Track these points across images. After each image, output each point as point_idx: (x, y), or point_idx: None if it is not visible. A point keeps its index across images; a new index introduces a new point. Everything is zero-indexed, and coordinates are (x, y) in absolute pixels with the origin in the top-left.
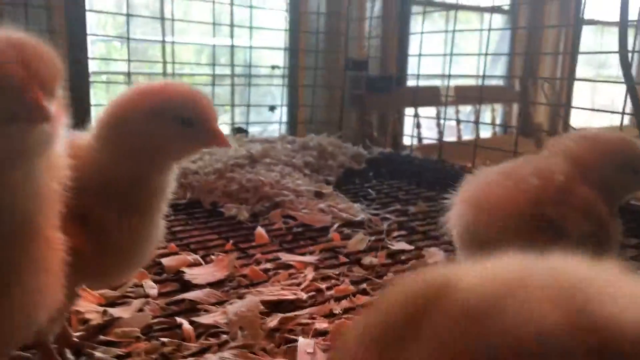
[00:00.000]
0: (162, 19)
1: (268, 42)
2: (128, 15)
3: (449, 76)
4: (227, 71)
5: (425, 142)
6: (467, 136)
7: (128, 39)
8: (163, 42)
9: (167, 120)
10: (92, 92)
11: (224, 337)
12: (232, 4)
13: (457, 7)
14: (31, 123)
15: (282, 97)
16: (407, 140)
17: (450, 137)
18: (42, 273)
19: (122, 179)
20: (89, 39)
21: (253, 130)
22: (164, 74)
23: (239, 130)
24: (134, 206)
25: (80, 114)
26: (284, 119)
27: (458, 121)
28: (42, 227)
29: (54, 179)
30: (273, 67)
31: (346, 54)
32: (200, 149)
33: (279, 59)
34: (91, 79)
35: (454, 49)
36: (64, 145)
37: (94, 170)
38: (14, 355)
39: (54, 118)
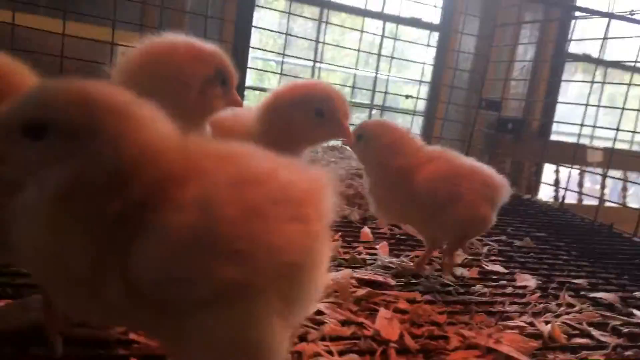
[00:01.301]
0: (317, 41)
1: (410, 75)
2: (287, 34)
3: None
4: (368, 99)
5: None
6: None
7: (283, 55)
8: (314, 65)
9: (306, 110)
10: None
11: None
12: (382, 36)
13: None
14: None
15: (411, 126)
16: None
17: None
18: None
19: None
20: (251, 54)
21: None
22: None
23: None
24: None
25: None
26: None
27: (625, 186)
28: None
29: None
30: (407, 97)
31: (481, 92)
32: (328, 139)
33: (414, 90)
34: (245, 92)
35: (606, 108)
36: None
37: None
38: None
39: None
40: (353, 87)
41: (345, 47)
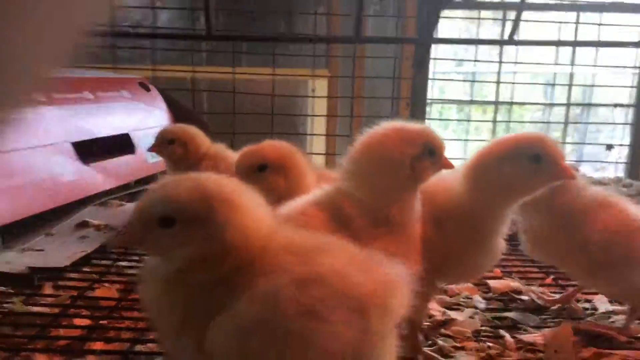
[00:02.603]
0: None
1: (611, 76)
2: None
3: None
4: (563, 100)
5: None
6: None
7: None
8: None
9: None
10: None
11: (540, 354)
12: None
13: None
14: None
15: (622, 135)
16: None
17: None
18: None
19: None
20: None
21: (584, 168)
22: (497, 100)
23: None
24: (480, 229)
25: None
26: (623, 159)
27: None
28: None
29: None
30: (615, 106)
31: None
32: (548, 183)
33: (623, 96)
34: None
35: None
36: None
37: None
38: None
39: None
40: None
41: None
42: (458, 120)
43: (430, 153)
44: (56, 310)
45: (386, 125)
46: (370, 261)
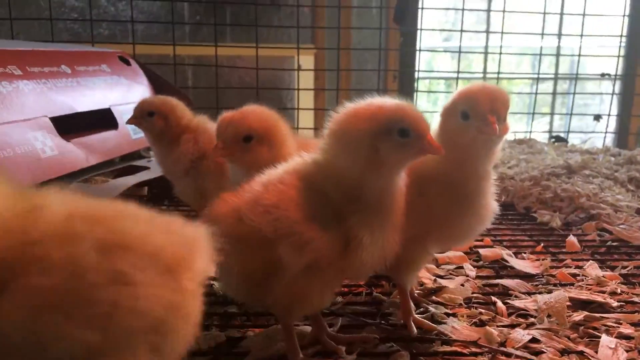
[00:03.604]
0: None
1: (597, 48)
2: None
3: None
4: (551, 73)
5: None
6: None
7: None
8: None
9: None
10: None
11: (532, 319)
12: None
13: None
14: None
15: (610, 106)
16: None
17: None
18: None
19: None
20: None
21: (573, 139)
22: (484, 75)
23: (557, 139)
24: (461, 190)
25: None
26: (611, 129)
27: None
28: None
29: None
30: (603, 75)
31: None
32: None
33: (610, 65)
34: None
35: None
36: None
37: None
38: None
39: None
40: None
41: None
42: (447, 92)
43: (401, 133)
44: None
45: (361, 102)
46: (171, 224)
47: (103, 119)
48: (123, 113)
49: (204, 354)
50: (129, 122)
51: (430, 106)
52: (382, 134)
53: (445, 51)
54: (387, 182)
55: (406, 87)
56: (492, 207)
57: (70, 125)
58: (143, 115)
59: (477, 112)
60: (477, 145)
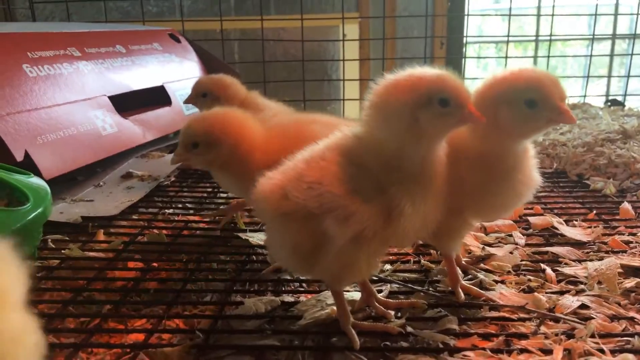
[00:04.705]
0: None
1: None
2: None
3: None
4: (608, 33)
5: None
6: None
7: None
8: None
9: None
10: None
11: (581, 286)
12: None
13: None
14: None
15: None
16: None
17: None
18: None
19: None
20: None
21: (631, 102)
22: (537, 37)
23: (613, 103)
24: (497, 166)
25: None
26: None
27: None
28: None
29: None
30: None
31: None
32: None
33: None
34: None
35: None
36: None
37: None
38: None
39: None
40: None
41: None
42: (497, 58)
43: (442, 103)
44: (110, 254)
45: (401, 72)
46: None
47: (157, 96)
48: (176, 90)
49: (260, 317)
50: (186, 101)
51: (479, 72)
52: (422, 104)
53: (495, 14)
54: (427, 152)
55: (454, 53)
56: (533, 180)
57: (126, 103)
58: (197, 96)
59: (548, 102)
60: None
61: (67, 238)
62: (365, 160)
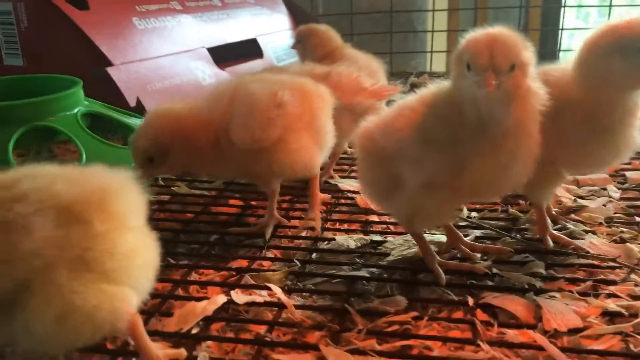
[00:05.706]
0: None
1: None
2: None
3: None
4: None
5: None
6: None
7: None
8: None
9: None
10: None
11: None
12: None
13: None
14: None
15: None
16: None
17: None
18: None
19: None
20: None
21: None
22: None
23: None
24: (599, 120)
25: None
26: None
27: None
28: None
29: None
30: None
31: None
32: None
33: None
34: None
35: None
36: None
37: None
38: None
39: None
40: None
41: None
42: (599, 7)
43: (468, 67)
44: (214, 193)
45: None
46: (84, 174)
47: (249, 48)
48: (267, 43)
49: (351, 252)
50: (292, 47)
51: (580, 23)
52: None
53: None
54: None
55: (552, 2)
56: (635, 140)
57: (222, 55)
58: (296, 42)
59: None
60: None
61: (174, 177)
62: (446, 113)
